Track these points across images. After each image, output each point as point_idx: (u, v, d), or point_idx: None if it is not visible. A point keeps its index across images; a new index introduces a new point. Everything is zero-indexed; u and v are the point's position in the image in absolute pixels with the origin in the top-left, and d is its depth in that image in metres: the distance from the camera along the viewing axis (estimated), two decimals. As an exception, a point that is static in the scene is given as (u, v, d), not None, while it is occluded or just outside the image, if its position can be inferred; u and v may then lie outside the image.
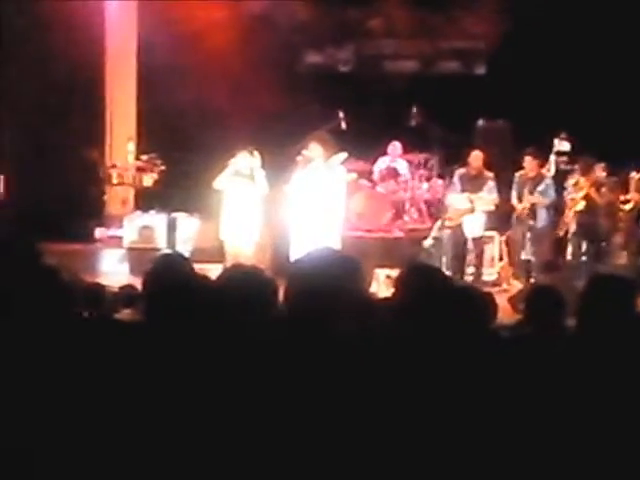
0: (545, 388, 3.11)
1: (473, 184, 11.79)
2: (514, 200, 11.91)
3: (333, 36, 15.42)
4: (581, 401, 3.13)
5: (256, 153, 10.87)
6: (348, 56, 16.04)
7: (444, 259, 11.84)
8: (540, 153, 12.13)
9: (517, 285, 11.71)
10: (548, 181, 11.96)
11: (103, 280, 8.97)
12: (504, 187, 11.98)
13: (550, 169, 12.68)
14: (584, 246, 11.96)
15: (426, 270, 3.49)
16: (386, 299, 3.75)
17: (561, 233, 12.05)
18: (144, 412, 3.00)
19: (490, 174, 11.85)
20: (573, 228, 11.90)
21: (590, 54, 13.88)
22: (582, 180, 11.83)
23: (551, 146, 12.83)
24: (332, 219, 10.73)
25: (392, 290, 3.54)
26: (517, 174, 12.00)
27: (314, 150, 10.54)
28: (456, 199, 11.86)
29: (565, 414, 3.08)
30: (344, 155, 10.98)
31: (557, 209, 12.05)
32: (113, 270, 11.78)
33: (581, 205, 11.83)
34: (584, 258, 11.95)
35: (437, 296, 3.03)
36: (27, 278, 3.60)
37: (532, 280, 11.52)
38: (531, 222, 11.83)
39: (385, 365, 2.89)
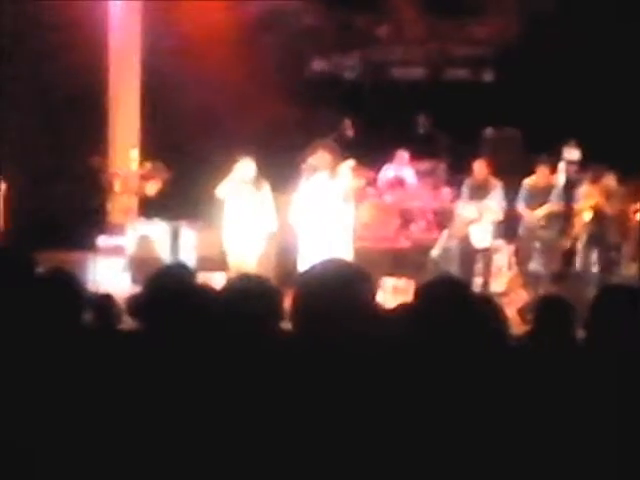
0: (553, 400, 3.07)
1: (480, 192, 11.85)
2: (521, 209, 11.85)
3: (339, 43, 15.43)
4: (590, 413, 3.09)
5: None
6: (355, 63, 16.02)
7: (452, 269, 11.76)
8: (551, 162, 12.11)
9: (525, 296, 11.63)
10: (558, 190, 11.94)
11: (105, 289, 8.89)
12: (513, 195, 11.92)
13: (560, 178, 12.60)
14: (594, 256, 11.87)
15: (451, 282, 3.44)
16: (394, 310, 3.67)
17: (568, 244, 11.99)
18: (146, 423, 3.01)
19: (497, 182, 11.89)
20: (583, 238, 11.79)
21: (600, 61, 13.84)
22: (591, 189, 11.76)
23: (560, 154, 12.76)
24: (341, 229, 10.66)
25: (406, 300, 3.51)
26: (526, 182, 11.94)
27: (321, 158, 10.47)
28: (465, 208, 11.84)
29: (574, 426, 3.04)
30: (351, 162, 10.91)
31: (566, 219, 11.99)
32: (115, 279, 11.70)
33: (590, 214, 11.75)
34: (594, 269, 11.86)
35: (460, 307, 2.97)
36: (35, 285, 3.61)
37: (541, 291, 11.43)
38: (543, 232, 11.78)
39: (394, 376, 2.87)
